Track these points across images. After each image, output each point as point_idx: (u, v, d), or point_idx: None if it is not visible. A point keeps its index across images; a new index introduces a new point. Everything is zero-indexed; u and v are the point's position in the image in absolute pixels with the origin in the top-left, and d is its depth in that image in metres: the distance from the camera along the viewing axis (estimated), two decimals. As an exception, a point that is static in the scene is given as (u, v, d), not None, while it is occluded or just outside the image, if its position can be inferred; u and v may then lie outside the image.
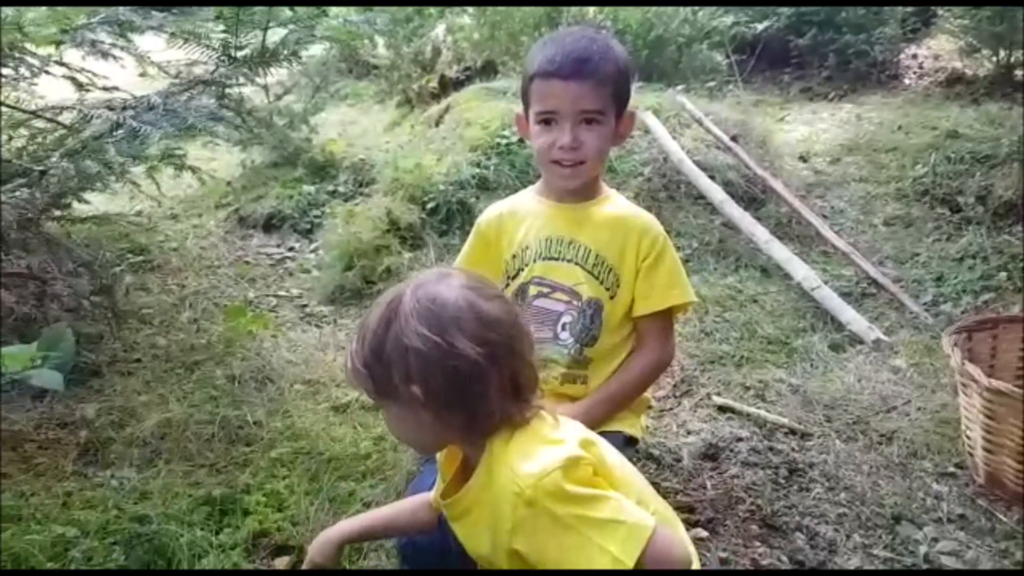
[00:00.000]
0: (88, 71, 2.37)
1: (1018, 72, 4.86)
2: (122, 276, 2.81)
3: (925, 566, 1.65)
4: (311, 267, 3.24)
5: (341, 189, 3.69)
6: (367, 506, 1.76)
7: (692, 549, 1.18)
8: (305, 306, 2.94)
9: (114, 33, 2.22)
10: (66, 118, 1.96)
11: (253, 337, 2.57)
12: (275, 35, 2.26)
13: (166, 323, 2.68)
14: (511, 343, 1.08)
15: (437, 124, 4.14)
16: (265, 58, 2.00)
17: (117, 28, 2.21)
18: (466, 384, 1.04)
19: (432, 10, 5.76)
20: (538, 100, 1.53)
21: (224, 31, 1.99)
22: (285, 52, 2.00)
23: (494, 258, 1.68)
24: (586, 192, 1.63)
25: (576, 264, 1.60)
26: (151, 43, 2.44)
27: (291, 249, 3.43)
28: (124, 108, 1.86)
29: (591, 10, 5.52)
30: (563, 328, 1.60)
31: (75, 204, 2.51)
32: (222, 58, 1.99)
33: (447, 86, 4.96)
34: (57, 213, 2.31)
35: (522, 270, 1.64)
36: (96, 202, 2.78)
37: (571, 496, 1.03)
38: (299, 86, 4.13)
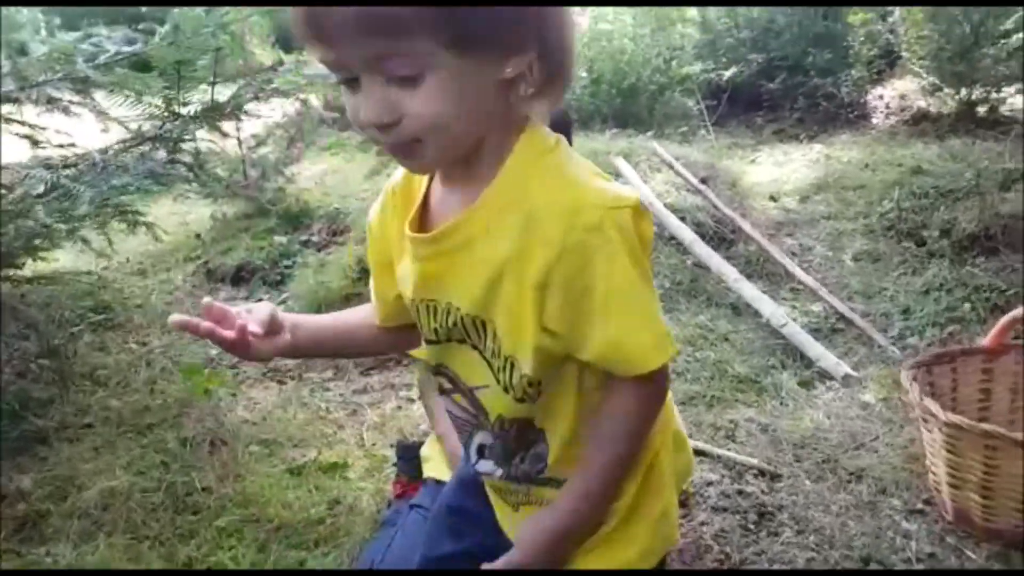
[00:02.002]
0: (42, 127, 2.35)
1: (980, 108, 4.94)
2: (78, 336, 2.76)
3: (894, 610, 1.60)
4: (277, 321, 3.19)
5: (314, 239, 3.66)
6: None
7: None
8: (269, 361, 2.89)
9: (74, 90, 2.21)
10: (7, 178, 1.94)
11: (210, 397, 2.51)
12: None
13: (121, 384, 2.61)
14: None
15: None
16: (211, 114, 1.99)
17: (79, 84, 2.20)
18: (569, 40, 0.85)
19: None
20: None
21: (166, 87, 1.98)
22: (230, 108, 2.00)
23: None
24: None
25: None
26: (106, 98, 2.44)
27: (259, 301, 3.38)
28: (64, 167, 1.84)
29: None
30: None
31: (31, 262, 2.47)
32: (166, 114, 1.98)
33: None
34: (10, 273, 2.27)
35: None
36: (63, 259, 2.74)
37: (635, 247, 0.85)
38: (274, 137, 4.14)
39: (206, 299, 0.95)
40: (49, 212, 1.76)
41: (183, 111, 1.99)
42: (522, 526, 1.02)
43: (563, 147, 0.90)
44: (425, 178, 0.96)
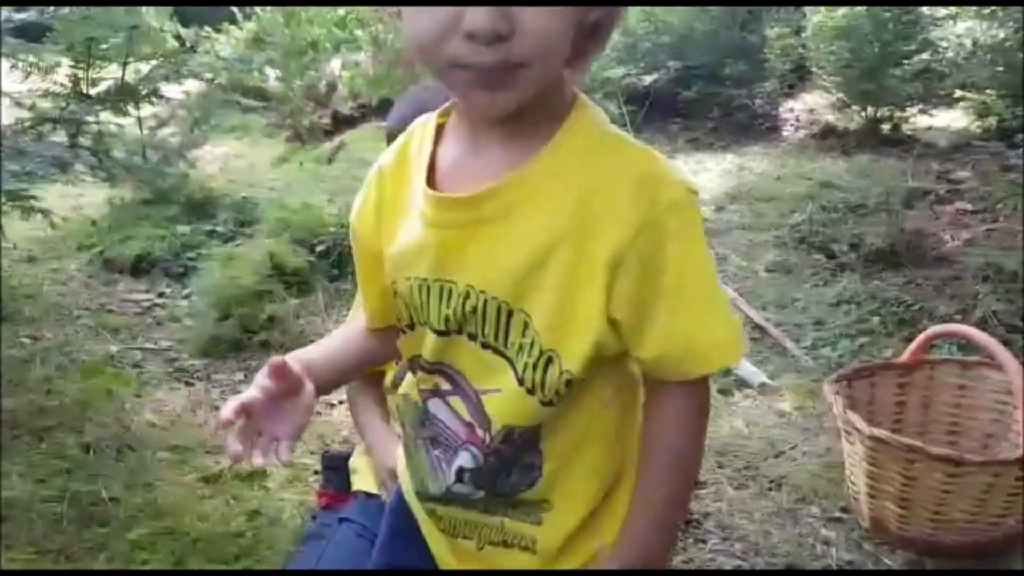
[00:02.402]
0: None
1: (884, 126, 5.18)
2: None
3: (817, 618, 1.64)
4: (183, 316, 3.02)
5: (220, 229, 3.49)
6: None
7: None
8: (175, 360, 2.73)
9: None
10: None
11: (112, 398, 2.36)
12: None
13: (14, 383, 2.42)
14: None
15: (329, 162, 4.02)
16: (123, 96, 1.85)
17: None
18: None
19: (328, 43, 5.64)
20: None
21: (73, 65, 1.82)
22: (145, 90, 1.86)
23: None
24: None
25: None
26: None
27: (161, 295, 3.20)
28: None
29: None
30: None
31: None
32: (71, 95, 1.83)
33: (340, 123, 4.85)
34: None
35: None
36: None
37: (701, 234, 0.78)
38: (176, 118, 3.91)
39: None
40: None
41: (92, 91, 1.83)
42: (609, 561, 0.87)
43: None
44: (429, 142, 0.83)
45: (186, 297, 3.15)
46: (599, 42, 0.77)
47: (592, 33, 0.75)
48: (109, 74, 1.95)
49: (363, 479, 1.61)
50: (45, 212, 2.10)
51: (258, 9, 5.58)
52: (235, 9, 5.82)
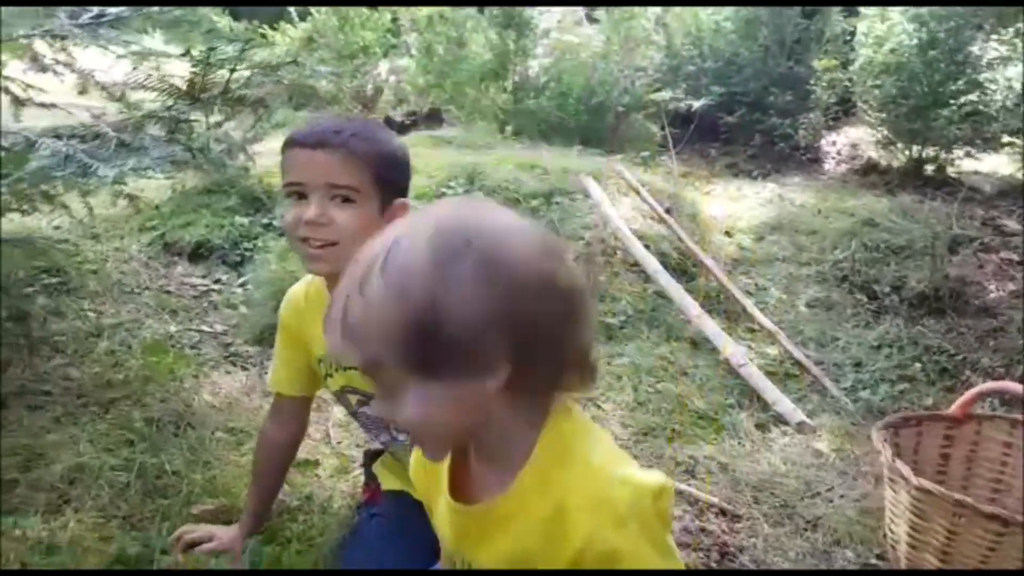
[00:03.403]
0: (24, 83, 2.24)
1: (928, 167, 5.18)
2: (34, 298, 2.63)
3: (852, 661, 1.69)
4: (238, 302, 3.11)
5: (276, 223, 3.58)
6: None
7: None
8: (230, 344, 2.81)
9: (56, 48, 2.11)
10: (6, 140, 1.83)
11: (173, 376, 2.44)
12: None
13: (80, 353, 2.51)
14: (583, 294, 0.89)
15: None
16: (229, 101, 1.93)
17: (60, 41, 2.10)
18: (553, 335, 0.85)
19: (377, 48, 5.74)
20: (287, 171, 1.44)
21: (194, 66, 1.91)
22: (251, 98, 1.94)
23: (302, 352, 1.63)
24: None
25: None
26: (95, 60, 2.33)
27: (217, 281, 3.29)
28: (71, 137, 1.75)
29: (534, 65, 5.61)
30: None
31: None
32: (183, 98, 1.91)
33: (392, 128, 4.93)
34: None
35: (330, 375, 1.60)
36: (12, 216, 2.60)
37: (660, 545, 0.89)
38: (241, 113, 4.00)
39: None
40: (69, 186, 1.67)
41: (203, 96, 1.91)
42: None
43: (582, 422, 0.95)
44: None
45: (241, 285, 3.23)
46: (548, 374, 0.90)
47: (517, 385, 0.87)
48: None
49: (387, 480, 1.71)
50: (132, 196, 2.19)
51: (314, 10, 5.69)
52: (291, 9, 5.94)
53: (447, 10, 5.57)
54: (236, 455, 2.13)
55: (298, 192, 1.42)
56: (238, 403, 2.40)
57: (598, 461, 0.90)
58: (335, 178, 1.39)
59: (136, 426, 2.15)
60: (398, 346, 0.80)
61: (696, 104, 5.70)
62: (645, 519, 0.87)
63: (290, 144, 1.43)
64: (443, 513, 1.01)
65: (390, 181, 1.45)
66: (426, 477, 1.07)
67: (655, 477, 0.90)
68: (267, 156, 4.45)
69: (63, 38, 2.14)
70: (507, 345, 0.82)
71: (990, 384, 2.02)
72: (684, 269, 3.60)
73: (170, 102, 1.95)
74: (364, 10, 5.79)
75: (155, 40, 2.21)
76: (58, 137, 1.73)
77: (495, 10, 5.42)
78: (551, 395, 0.91)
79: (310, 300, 1.59)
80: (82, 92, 2.37)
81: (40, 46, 2.20)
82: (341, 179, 1.39)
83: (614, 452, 0.95)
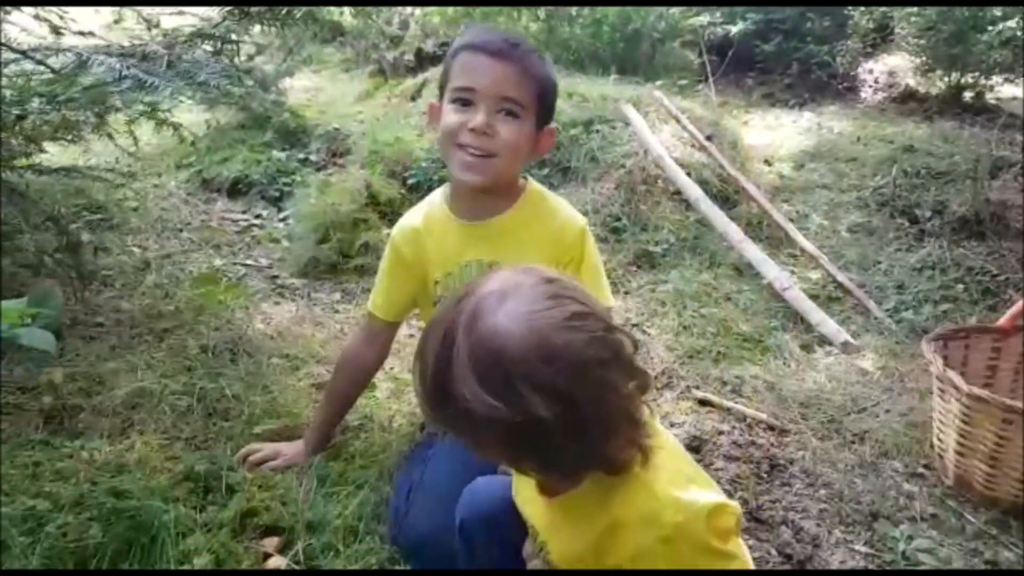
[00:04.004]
0: (60, 13, 2.24)
1: (967, 94, 5.07)
2: (79, 233, 2.67)
3: (903, 562, 1.71)
4: (280, 237, 3.14)
5: (313, 158, 3.59)
6: (359, 488, 1.72)
7: None
8: (276, 277, 2.85)
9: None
10: (54, 62, 1.84)
11: (224, 307, 2.48)
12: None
13: (129, 287, 2.56)
14: (600, 380, 0.88)
15: (414, 99, 4.07)
16: (279, 15, 1.89)
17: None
18: (540, 442, 0.88)
19: (404, -19, 5.65)
20: (458, 75, 1.41)
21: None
22: (300, 12, 1.91)
23: (417, 278, 1.63)
24: (498, 201, 1.51)
25: None
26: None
27: (258, 216, 3.32)
28: (122, 55, 1.75)
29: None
30: None
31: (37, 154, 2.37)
32: (232, 11, 1.88)
33: (423, 60, 4.89)
34: (24, 162, 2.17)
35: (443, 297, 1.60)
36: (52, 152, 2.63)
37: (712, 550, 0.94)
38: (271, 46, 4.00)
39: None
40: (126, 102, 1.68)
41: (252, 9, 1.87)
42: None
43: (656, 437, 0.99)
44: None
45: (282, 220, 3.26)
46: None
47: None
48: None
49: None
50: (176, 125, 2.19)
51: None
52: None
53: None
54: (293, 379, 2.17)
55: (464, 99, 1.40)
56: (289, 331, 2.44)
57: (661, 480, 0.95)
58: (509, 91, 1.38)
59: (192, 353, 2.19)
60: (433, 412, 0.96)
61: (733, 29, 5.57)
62: (696, 538, 0.93)
63: (467, 48, 1.41)
64: (530, 496, 1.10)
65: (549, 105, 1.46)
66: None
67: (709, 498, 0.95)
68: (296, 92, 4.47)
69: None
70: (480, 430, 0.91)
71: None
72: (726, 196, 3.57)
73: (218, 19, 1.92)
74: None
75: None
76: (110, 55, 1.73)
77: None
78: (580, 465, 0.99)
79: (431, 222, 1.58)
80: (117, 21, 2.36)
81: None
82: (514, 92, 1.38)
83: (681, 472, 1.00)
